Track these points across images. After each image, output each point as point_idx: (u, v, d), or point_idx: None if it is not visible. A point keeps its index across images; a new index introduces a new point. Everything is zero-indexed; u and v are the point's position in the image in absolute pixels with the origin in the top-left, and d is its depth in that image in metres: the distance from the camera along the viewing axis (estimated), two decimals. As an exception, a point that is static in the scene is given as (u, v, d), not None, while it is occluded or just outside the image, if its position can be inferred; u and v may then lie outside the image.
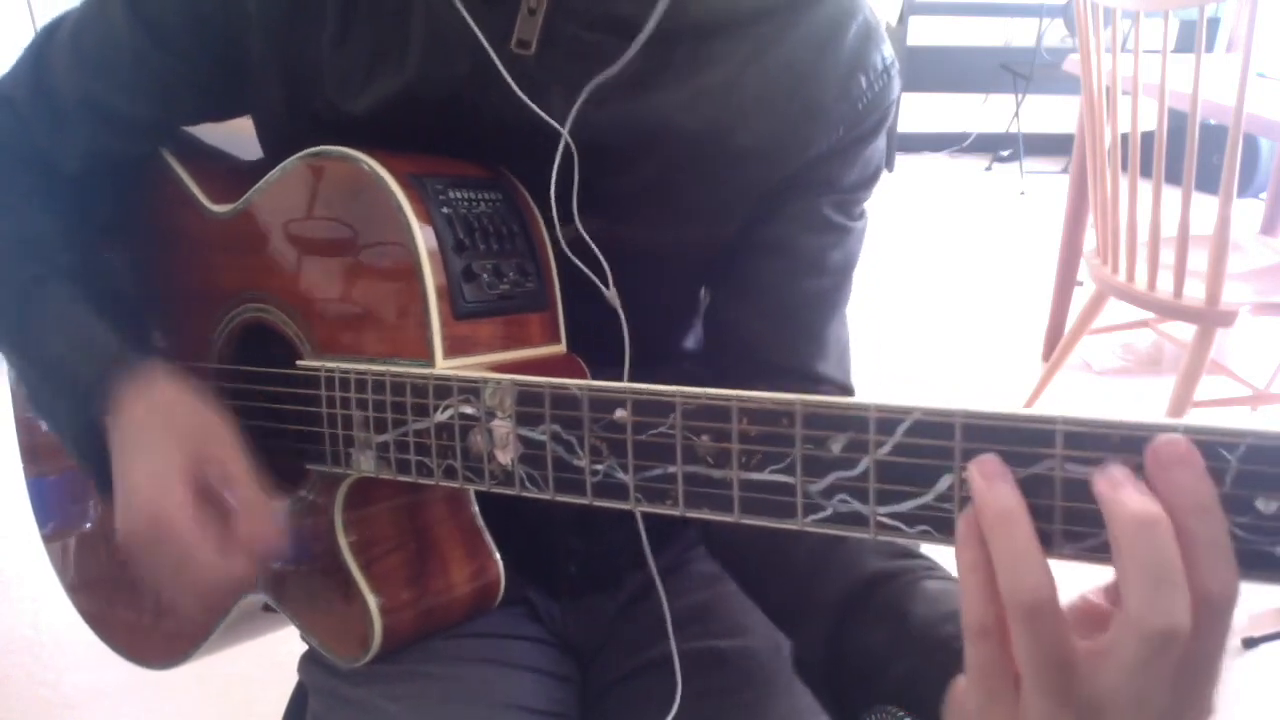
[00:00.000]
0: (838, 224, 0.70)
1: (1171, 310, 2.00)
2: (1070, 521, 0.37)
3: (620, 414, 0.48)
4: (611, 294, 0.66)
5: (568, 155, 0.64)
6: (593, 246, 0.66)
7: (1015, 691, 0.38)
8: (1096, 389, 2.76)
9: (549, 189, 0.65)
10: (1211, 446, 0.33)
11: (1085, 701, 0.36)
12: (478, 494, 0.71)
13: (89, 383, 0.66)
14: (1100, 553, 0.36)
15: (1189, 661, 0.35)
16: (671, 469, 0.47)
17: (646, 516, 0.70)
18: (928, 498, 0.40)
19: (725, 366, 0.73)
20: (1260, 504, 0.32)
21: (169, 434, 0.63)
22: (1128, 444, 0.35)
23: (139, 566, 0.63)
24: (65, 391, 0.69)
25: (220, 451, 0.63)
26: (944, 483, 0.39)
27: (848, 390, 0.74)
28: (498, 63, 0.61)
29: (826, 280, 0.71)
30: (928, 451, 0.39)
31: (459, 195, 0.63)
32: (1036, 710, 0.37)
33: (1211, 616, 0.34)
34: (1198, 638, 0.35)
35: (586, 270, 0.66)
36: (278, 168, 0.66)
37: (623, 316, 0.66)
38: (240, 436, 0.65)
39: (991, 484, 0.37)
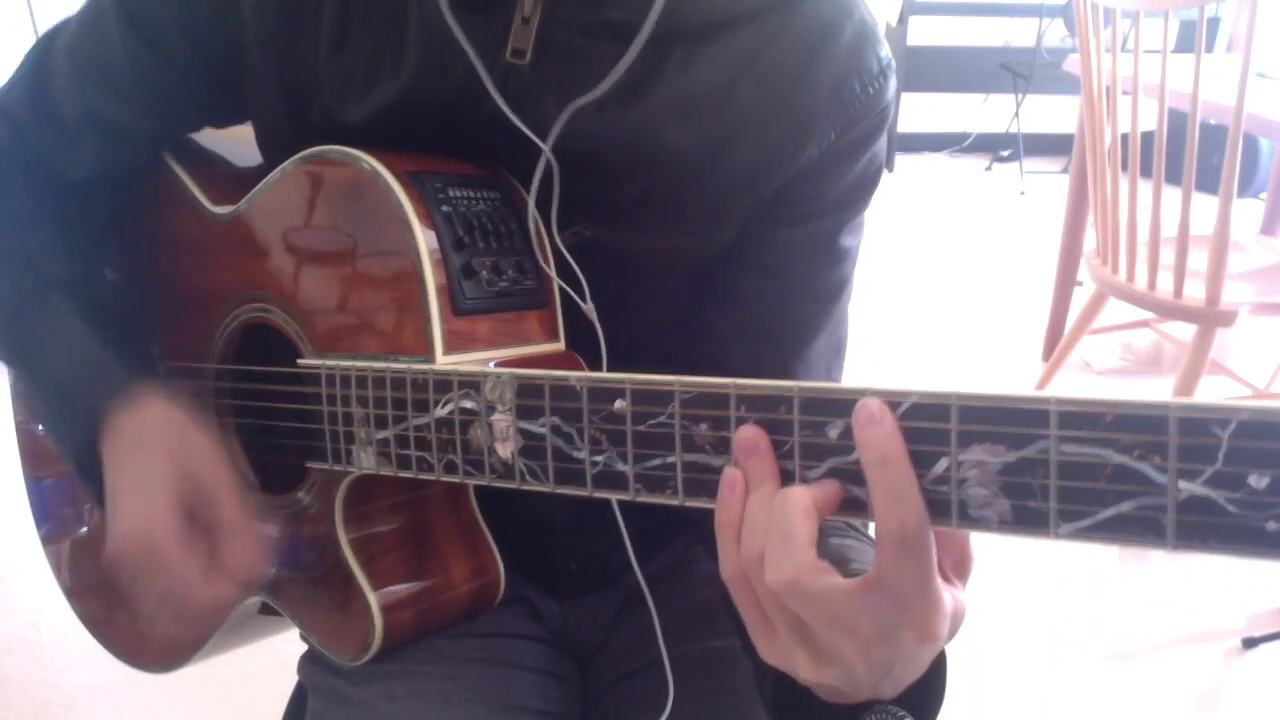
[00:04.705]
0: (834, 246, 0.69)
1: (1171, 310, 2.00)
2: (1065, 501, 0.37)
3: (619, 404, 0.48)
4: (589, 308, 0.66)
5: (558, 164, 0.63)
6: (568, 258, 0.65)
7: (772, 627, 0.46)
8: (1096, 389, 2.76)
9: (544, 199, 0.65)
10: (1203, 423, 0.33)
11: (810, 633, 0.44)
12: (477, 493, 0.71)
13: (86, 406, 0.67)
14: (1098, 532, 0.36)
15: (886, 599, 0.42)
16: (671, 458, 0.47)
17: (642, 519, 0.70)
18: (925, 481, 0.40)
19: (701, 371, 0.72)
20: (1253, 480, 0.32)
21: (157, 457, 0.64)
22: (1122, 423, 0.35)
23: (125, 589, 0.64)
24: (64, 413, 0.70)
25: (206, 473, 0.64)
26: (940, 465, 0.40)
27: None
28: (483, 75, 0.61)
29: (819, 303, 0.71)
30: (924, 435, 0.40)
31: (458, 193, 0.63)
32: (782, 640, 0.46)
33: (898, 554, 0.41)
34: (890, 576, 0.41)
35: (565, 287, 0.66)
36: (278, 169, 0.67)
37: (598, 327, 0.66)
38: (228, 458, 0.65)
39: (750, 457, 0.44)
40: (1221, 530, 0.33)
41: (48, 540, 0.90)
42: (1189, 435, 0.34)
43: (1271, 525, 0.32)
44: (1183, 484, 0.34)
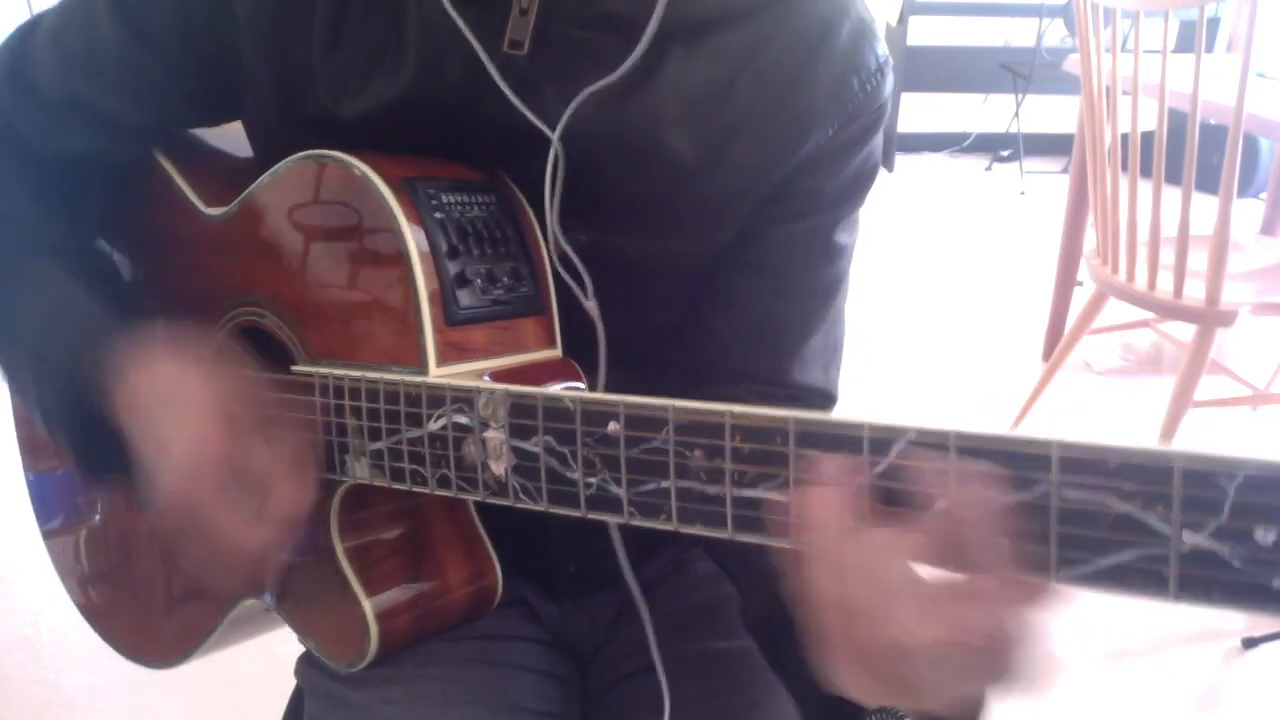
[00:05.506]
0: (830, 243, 0.69)
1: (1171, 310, 1.99)
2: (1066, 547, 0.36)
3: (613, 427, 0.47)
4: (591, 305, 0.66)
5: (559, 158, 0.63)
6: (573, 257, 0.65)
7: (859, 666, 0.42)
8: (1096, 389, 2.75)
9: (542, 194, 0.64)
10: (1209, 475, 0.33)
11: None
12: (474, 499, 0.71)
13: (79, 356, 0.64)
14: (1098, 580, 0.36)
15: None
16: (665, 484, 0.46)
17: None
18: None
19: (698, 370, 0.72)
20: (1258, 535, 0.32)
21: (192, 397, 0.61)
22: (1125, 471, 0.34)
23: (173, 529, 0.61)
24: (52, 371, 0.67)
25: (237, 418, 0.61)
26: (939, 505, 0.39)
27: (830, 396, 0.74)
28: (488, 64, 0.61)
29: (814, 301, 0.71)
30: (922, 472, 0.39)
31: (452, 199, 0.62)
32: (871, 684, 0.42)
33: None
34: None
35: (569, 279, 0.66)
36: (270, 171, 0.66)
37: (600, 327, 0.66)
38: (251, 390, 0.63)
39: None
40: (1225, 585, 0.33)
41: (50, 534, 0.90)
42: (1194, 487, 0.33)
43: (1277, 582, 0.31)
44: (1186, 536, 0.33)
